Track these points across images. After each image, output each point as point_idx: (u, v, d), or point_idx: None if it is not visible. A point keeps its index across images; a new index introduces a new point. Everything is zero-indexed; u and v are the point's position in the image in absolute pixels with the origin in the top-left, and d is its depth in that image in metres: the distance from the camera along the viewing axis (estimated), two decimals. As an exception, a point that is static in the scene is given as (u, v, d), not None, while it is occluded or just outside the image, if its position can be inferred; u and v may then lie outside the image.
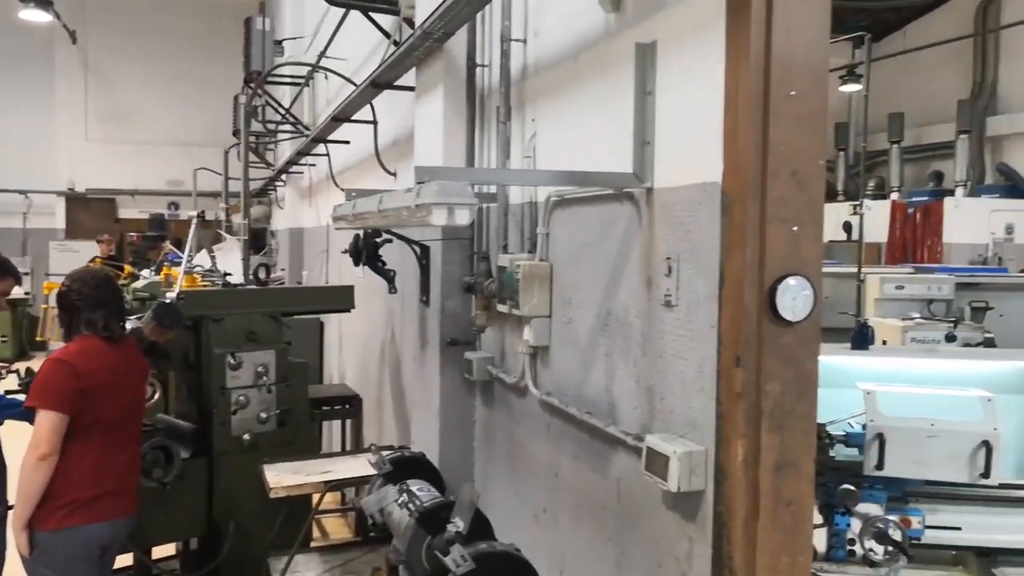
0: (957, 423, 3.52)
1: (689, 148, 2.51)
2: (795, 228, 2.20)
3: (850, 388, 3.76)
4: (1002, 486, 3.76)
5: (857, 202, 14.79)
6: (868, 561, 3.59)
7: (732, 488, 2.22)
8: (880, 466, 3.54)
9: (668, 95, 2.63)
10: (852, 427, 3.74)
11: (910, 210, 13.90)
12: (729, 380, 2.24)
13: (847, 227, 14.94)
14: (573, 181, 3.01)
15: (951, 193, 14.50)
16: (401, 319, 5.64)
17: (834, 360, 4.09)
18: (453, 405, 4.34)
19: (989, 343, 6.24)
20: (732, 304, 2.26)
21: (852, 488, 3.58)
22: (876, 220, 14.47)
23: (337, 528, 7.35)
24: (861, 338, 3.98)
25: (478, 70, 4.21)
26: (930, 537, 3.70)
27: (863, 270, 7.26)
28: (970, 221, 13.05)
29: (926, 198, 14.11)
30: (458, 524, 2.94)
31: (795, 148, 2.20)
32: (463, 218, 2.37)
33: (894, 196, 14.98)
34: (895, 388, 3.69)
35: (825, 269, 8.02)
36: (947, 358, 4.34)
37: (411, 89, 4.98)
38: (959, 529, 3.73)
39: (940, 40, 14.74)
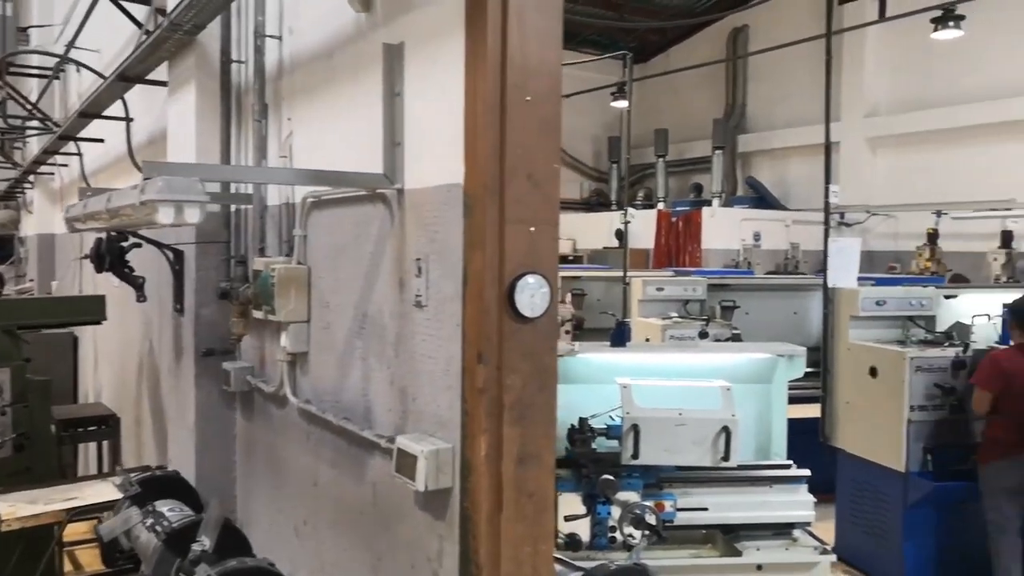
0: (701, 412, 3.81)
1: (436, 150, 2.52)
2: (532, 228, 2.27)
3: (611, 383, 3.96)
4: (740, 467, 4.13)
5: (628, 211, 15.72)
6: (628, 546, 3.80)
7: (476, 483, 2.25)
8: (636, 455, 3.76)
9: (416, 97, 2.63)
10: (613, 420, 3.93)
11: (673, 219, 14.98)
12: (472, 377, 2.27)
13: (619, 234, 15.87)
14: (322, 181, 2.95)
15: (709, 203, 15.80)
16: (158, 330, 5.27)
17: (596, 357, 4.29)
18: (211, 419, 4.11)
19: (736, 338, 6.83)
20: (474, 302, 2.30)
21: (611, 478, 3.77)
22: (644, 228, 15.47)
23: (93, 560, 6.73)
24: (619, 336, 4.20)
25: (233, 66, 4.02)
26: (682, 519, 3.99)
27: (629, 274, 7.71)
28: (724, 229, 14.28)
29: (687, 208, 15.27)
30: (204, 543, 2.78)
31: (531, 151, 2.27)
32: (193, 216, 2.24)
33: (660, 206, 16.11)
34: (647, 381, 3.94)
35: (595, 273, 8.40)
36: (693, 351, 4.69)
37: (166, 84, 4.67)
38: (706, 510, 4.04)
39: (696, 64, 16.01)
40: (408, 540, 2.63)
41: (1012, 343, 4.85)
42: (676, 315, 7.01)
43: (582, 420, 3.90)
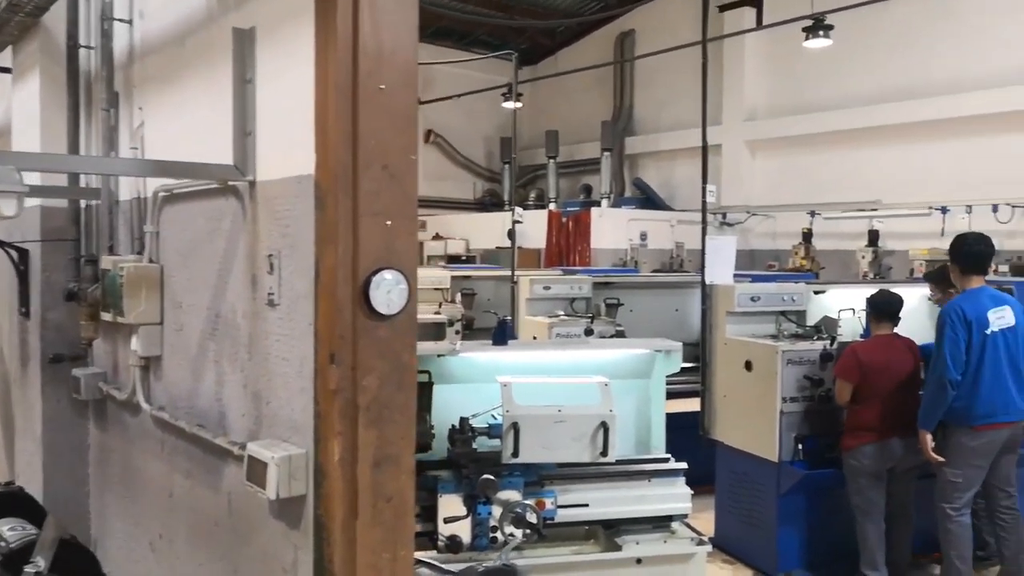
0: (580, 408, 3.79)
1: (288, 140, 2.39)
2: (389, 222, 2.18)
3: (493, 382, 3.89)
4: (620, 462, 4.14)
5: (516, 210, 15.76)
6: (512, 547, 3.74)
7: (330, 489, 2.14)
8: (516, 453, 3.70)
9: (268, 84, 2.50)
10: (495, 419, 3.86)
11: (564, 219, 15.14)
12: (324, 378, 2.16)
13: (511, 234, 15.92)
14: (169, 173, 2.77)
15: (598, 204, 16.05)
16: (6, 335, 4.90)
17: (478, 356, 4.21)
18: (60, 429, 3.83)
19: (620, 335, 6.90)
20: (327, 300, 2.19)
21: (491, 478, 3.70)
22: (536, 228, 15.57)
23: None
24: (500, 334, 4.13)
25: (81, 51, 3.76)
26: (563, 516, 3.96)
27: (517, 273, 7.70)
28: (612, 229, 14.52)
29: (578, 208, 15.46)
30: (39, 564, 2.57)
31: (386, 142, 2.18)
32: (8, 209, 2.04)
33: (551, 206, 16.25)
34: (527, 379, 3.89)
35: (484, 272, 8.33)
36: (574, 348, 4.68)
37: (10, 71, 4.34)
38: (587, 506, 4.03)
39: (584, 67, 16.23)
40: (264, 551, 2.49)
41: (872, 335, 5.07)
42: (563, 313, 7.03)
43: (463, 420, 3.82)
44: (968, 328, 4.58)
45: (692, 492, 4.16)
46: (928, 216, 12.40)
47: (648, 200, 16.11)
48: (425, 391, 3.95)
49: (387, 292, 2.18)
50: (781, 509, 5.17)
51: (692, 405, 5.93)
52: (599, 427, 3.68)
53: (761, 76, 15.31)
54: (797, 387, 5.13)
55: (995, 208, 11.42)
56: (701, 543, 3.98)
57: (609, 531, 4.08)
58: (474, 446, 3.81)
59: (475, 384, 4.07)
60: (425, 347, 4.04)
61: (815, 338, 5.36)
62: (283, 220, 2.39)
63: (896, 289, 5.23)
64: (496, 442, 3.82)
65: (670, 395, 7.12)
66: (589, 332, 6.71)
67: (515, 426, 3.62)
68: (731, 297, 5.54)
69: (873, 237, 13.04)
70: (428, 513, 3.74)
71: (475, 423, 3.90)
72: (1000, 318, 4.67)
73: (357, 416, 2.12)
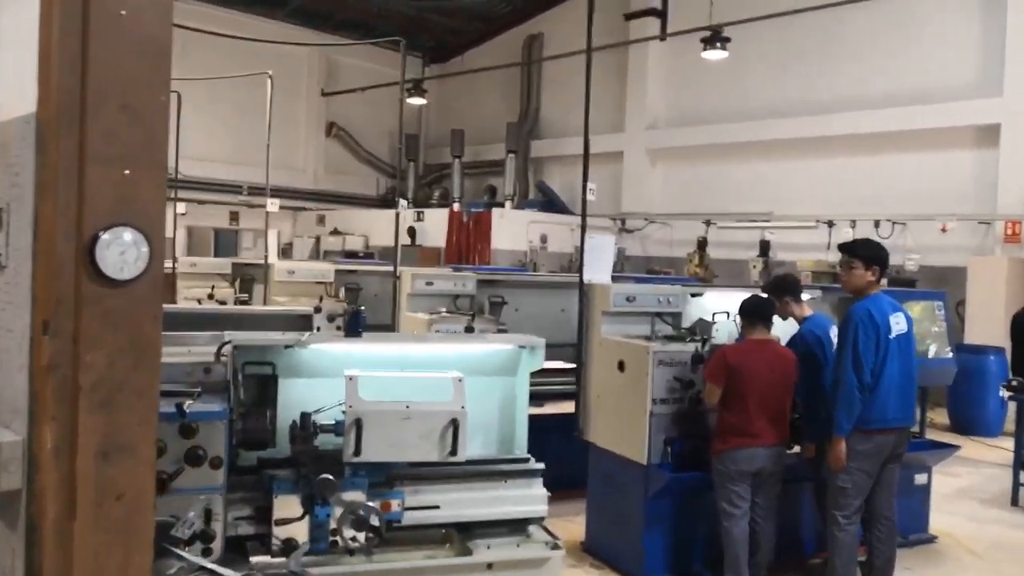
0: (429, 404, 3.61)
1: (19, 72, 2.04)
2: (127, 171, 1.87)
3: (343, 376, 3.68)
4: (475, 462, 3.98)
5: (420, 209, 15.55)
6: (349, 550, 3.53)
7: (43, 483, 1.85)
8: (358, 452, 3.49)
9: (8, 6, 2.16)
10: (344, 415, 3.65)
11: (465, 219, 15.00)
12: (39, 351, 1.85)
13: (411, 232, 15.69)
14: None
15: (502, 205, 15.96)
16: None
17: (329, 348, 3.99)
18: None
19: (502, 333, 6.78)
20: (45, 260, 1.86)
21: (329, 478, 3.48)
22: (437, 227, 15.37)
23: None
24: (353, 324, 3.91)
25: None
26: (412, 518, 3.77)
27: (400, 268, 7.49)
28: (513, 230, 14.47)
29: (481, 209, 15.35)
30: None
31: (127, 77, 1.86)
32: None
33: (455, 206, 16.09)
34: (376, 373, 3.69)
35: (368, 267, 8.04)
36: (433, 343, 4.50)
37: None
38: (438, 508, 3.85)
39: (492, 66, 16.14)
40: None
41: (744, 339, 5.08)
42: (444, 310, 6.86)
43: (304, 415, 3.59)
44: (876, 331, 4.61)
45: (565, 496, 4.03)
46: (815, 229, 12.79)
47: (550, 203, 16.15)
48: (268, 384, 3.71)
49: (120, 253, 1.88)
50: (648, 512, 5.12)
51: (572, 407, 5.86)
52: (449, 424, 3.52)
53: (664, 86, 15.54)
54: (668, 389, 5.09)
55: (877, 224, 11.85)
56: (556, 547, 3.86)
57: (464, 534, 3.91)
58: (316, 444, 3.59)
59: (326, 379, 3.84)
60: (271, 337, 3.80)
61: (688, 340, 5.34)
62: (14, 167, 2.05)
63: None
64: (343, 440, 3.61)
65: (552, 396, 7.11)
66: (470, 330, 6.57)
67: (358, 423, 3.42)
68: (607, 297, 5.48)
69: (764, 247, 13.36)
70: (263, 514, 3.51)
71: (322, 419, 3.68)
72: (897, 323, 4.73)
73: (78, 398, 1.82)
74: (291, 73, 17.70)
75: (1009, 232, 10.94)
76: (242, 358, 3.68)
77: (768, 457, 4.82)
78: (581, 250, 5.72)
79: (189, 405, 3.40)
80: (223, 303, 9.40)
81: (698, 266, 13.61)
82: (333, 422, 3.65)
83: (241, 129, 16.56)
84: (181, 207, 11.29)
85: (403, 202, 7.56)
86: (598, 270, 5.67)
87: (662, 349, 5.10)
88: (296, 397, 3.80)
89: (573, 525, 5.87)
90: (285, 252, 17.38)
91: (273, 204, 8.32)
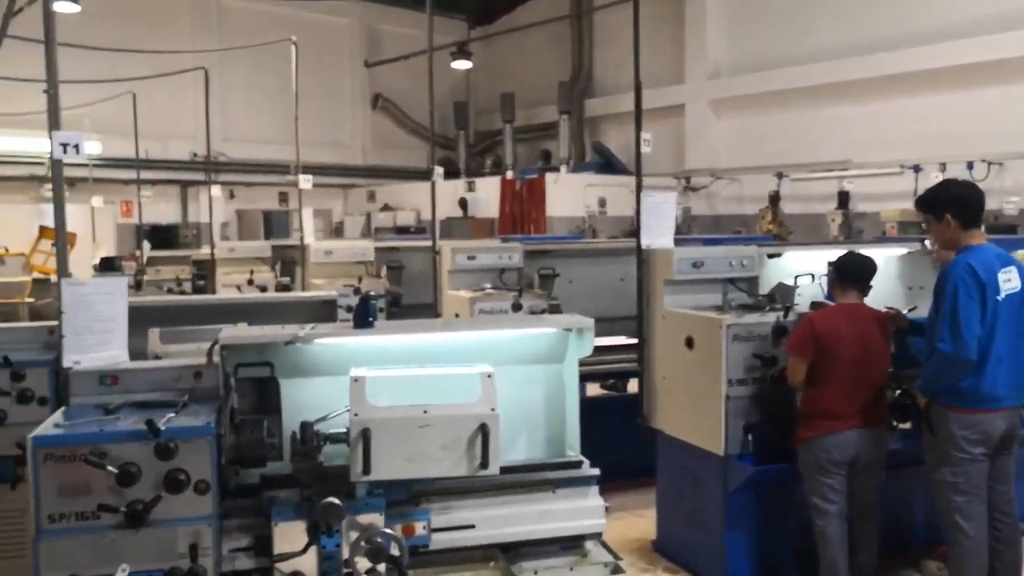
0: (451, 407, 2.97)
1: None
2: None
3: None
4: (518, 469, 3.35)
5: (471, 180, 14.95)
6: (369, 585, 2.94)
7: None
8: (367, 469, 2.88)
9: None
10: (350, 424, 3.03)
11: (518, 186, 14.30)
12: None
13: (463, 203, 15.07)
14: None
15: (558, 170, 15.20)
16: None
17: (338, 343, 3.37)
18: None
19: (555, 309, 6.10)
20: None
21: (334, 502, 2.88)
22: (490, 196, 14.73)
23: None
24: (363, 314, 3.30)
25: None
26: (442, 541, 3.17)
27: (440, 242, 6.88)
28: (568, 195, 13.71)
29: (536, 175, 14.62)
30: None
31: None
32: None
33: (509, 174, 15.39)
34: (388, 371, 3.07)
35: (410, 243, 7.45)
36: (462, 329, 3.84)
37: None
38: (472, 527, 3.24)
39: (538, 21, 15.25)
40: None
41: (835, 303, 4.30)
42: (489, 286, 6.22)
43: (304, 426, 3.00)
44: (982, 290, 3.74)
45: (634, 485, 3.35)
46: (900, 175, 11.70)
47: (608, 164, 15.32)
48: (267, 388, 3.12)
49: None
50: (729, 509, 4.43)
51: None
52: (477, 431, 2.88)
53: (725, 31, 14.50)
54: (746, 367, 4.36)
55: (970, 165, 10.73)
56: (617, 570, 3.21)
57: (508, 554, 3.29)
58: (321, 458, 2.99)
59: (335, 377, 3.23)
60: (266, 333, 3.20)
61: (767, 309, 4.58)
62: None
63: (866, 251, 4.46)
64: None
65: (613, 375, 6.42)
66: (517, 307, 5.93)
67: (365, 434, 2.81)
68: (669, 262, 4.75)
69: (843, 199, 12.34)
70: (264, 545, 2.93)
71: (329, 428, 3.08)
72: (1008, 280, 3.85)
73: None
74: (333, 46, 17.22)
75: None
76: (234, 359, 3.10)
77: (864, 442, 4.07)
78: (637, 211, 4.99)
79: (167, 420, 2.84)
80: (263, 288, 8.98)
81: (771, 223, 12.69)
82: (344, 430, 3.05)
83: (288, 108, 16.10)
84: (216, 190, 10.87)
85: (438, 170, 6.92)
86: (658, 233, 4.93)
87: (737, 321, 4.36)
88: (303, 401, 3.22)
89: (642, 520, 5.23)
90: (337, 231, 17.01)
91: (306, 181, 7.78)
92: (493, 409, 2.89)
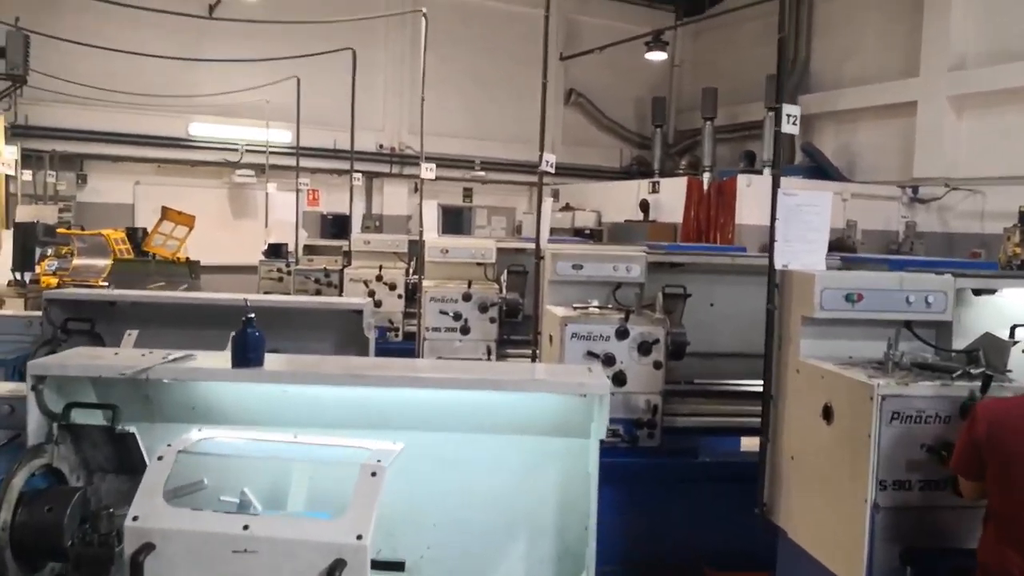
0: (294, 524, 1.83)
1: None
2: None
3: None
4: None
5: (655, 180, 13.54)
6: None
7: None
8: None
9: None
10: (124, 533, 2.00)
11: (705, 189, 12.70)
12: None
13: (643, 205, 13.67)
14: None
15: (760, 173, 13.40)
16: None
17: (205, 385, 2.34)
18: None
19: (678, 341, 4.73)
20: None
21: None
22: (675, 199, 13.28)
23: None
24: (241, 348, 2.21)
25: None
26: None
27: (548, 247, 5.67)
28: (762, 201, 11.89)
29: (727, 178, 12.95)
30: None
31: None
32: None
33: (706, 176, 13.79)
34: (233, 435, 2.00)
35: (531, 245, 6.24)
36: (415, 386, 2.64)
37: None
38: None
39: (750, 3, 13.47)
40: None
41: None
42: (595, 303, 4.93)
43: (100, 511, 1.97)
44: None
45: None
46: None
47: (817, 169, 13.27)
48: (116, 443, 2.14)
49: None
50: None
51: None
52: (329, 570, 1.70)
53: (974, 14, 12.02)
54: (909, 463, 2.84)
55: None
56: None
57: None
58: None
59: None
60: (103, 364, 2.20)
61: (959, 374, 2.99)
62: None
63: None
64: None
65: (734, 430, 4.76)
66: (623, 334, 4.61)
67: (141, 552, 1.71)
68: (810, 292, 3.28)
69: (1119, 220, 9.66)
70: None
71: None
72: None
73: None
74: (529, 38, 16.42)
75: None
76: (63, 394, 2.15)
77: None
78: (772, 215, 3.55)
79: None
80: (392, 286, 8.31)
81: (1019, 245, 10.24)
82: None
83: (475, 101, 15.62)
84: (358, 179, 10.36)
85: (549, 155, 5.73)
86: (800, 248, 3.47)
87: (899, 392, 2.83)
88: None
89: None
90: (518, 230, 16.22)
91: (429, 170, 6.89)
92: (360, 537, 1.69)
